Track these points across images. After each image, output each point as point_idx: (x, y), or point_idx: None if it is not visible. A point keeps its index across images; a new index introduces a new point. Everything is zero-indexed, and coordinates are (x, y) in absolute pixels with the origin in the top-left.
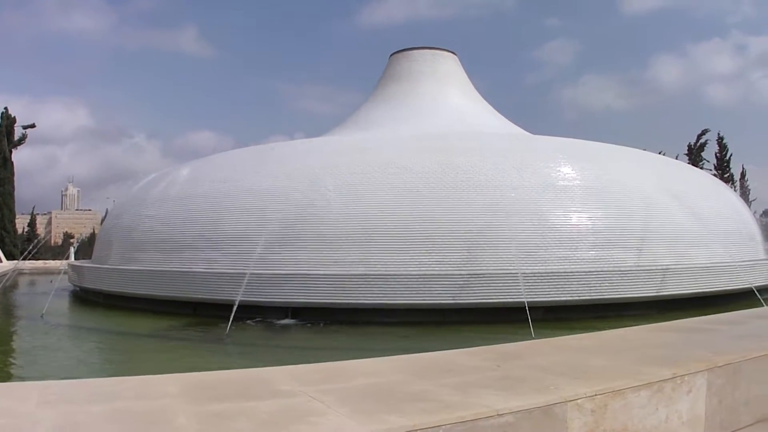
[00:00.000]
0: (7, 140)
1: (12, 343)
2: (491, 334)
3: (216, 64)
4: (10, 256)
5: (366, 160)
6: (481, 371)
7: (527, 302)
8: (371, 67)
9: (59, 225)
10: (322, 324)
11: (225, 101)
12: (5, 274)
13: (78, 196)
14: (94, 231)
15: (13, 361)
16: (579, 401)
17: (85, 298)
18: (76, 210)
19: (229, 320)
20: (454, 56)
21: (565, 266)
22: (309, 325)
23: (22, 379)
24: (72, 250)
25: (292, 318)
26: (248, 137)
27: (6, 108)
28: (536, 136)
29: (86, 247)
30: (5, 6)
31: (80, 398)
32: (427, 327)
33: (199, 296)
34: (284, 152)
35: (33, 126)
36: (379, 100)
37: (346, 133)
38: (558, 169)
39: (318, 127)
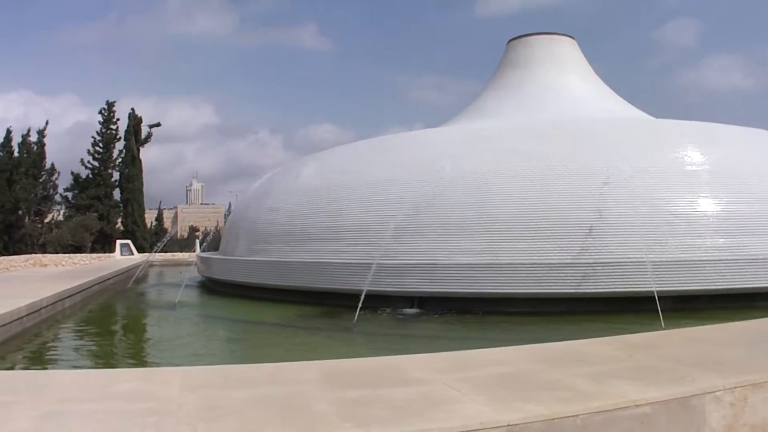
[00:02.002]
0: (135, 139)
1: (150, 331)
2: (619, 324)
3: (335, 58)
4: (140, 250)
5: (488, 148)
6: (614, 361)
7: (656, 291)
8: (488, 56)
9: (185, 219)
10: (447, 313)
11: (345, 94)
12: (138, 267)
13: (202, 191)
14: (218, 224)
15: (152, 348)
16: (717, 394)
17: (213, 288)
18: (201, 204)
19: (355, 310)
20: (572, 40)
21: (694, 254)
22: (435, 314)
23: (162, 365)
24: (197, 242)
25: (417, 307)
26: (368, 129)
27: (132, 109)
28: (660, 120)
29: (211, 240)
30: (131, 12)
31: (220, 383)
32: (552, 316)
33: (326, 286)
34: (406, 142)
35: (158, 125)
36: (497, 88)
37: (466, 122)
38: (684, 153)
39: (436, 117)
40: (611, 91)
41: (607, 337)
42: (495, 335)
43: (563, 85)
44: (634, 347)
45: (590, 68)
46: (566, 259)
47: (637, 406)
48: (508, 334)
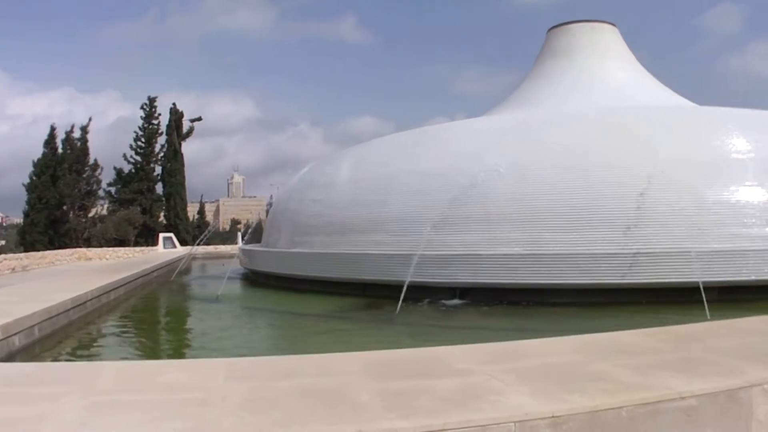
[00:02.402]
0: (176, 133)
1: (193, 323)
2: (663, 315)
3: (375, 50)
4: (183, 243)
5: (530, 138)
6: (659, 353)
7: (701, 282)
8: (528, 45)
9: (226, 212)
10: (490, 304)
11: (384, 86)
12: (181, 259)
13: (243, 184)
14: (259, 217)
15: (196, 339)
16: (766, 386)
17: (255, 280)
18: (242, 197)
19: (398, 301)
20: (614, 28)
21: (740, 244)
22: (477, 305)
23: (207, 356)
24: (239, 235)
25: (459, 298)
26: (408, 120)
27: (174, 103)
28: (704, 107)
29: (253, 232)
30: (171, 9)
31: (265, 374)
32: (595, 307)
33: (369, 277)
34: (447, 133)
35: (200, 119)
36: (538, 77)
37: (507, 112)
38: (730, 140)
39: (477, 108)
40: (654, 79)
41: (651, 329)
42: (538, 326)
43: (605, 73)
44: (679, 338)
45: (632, 56)
46: (610, 249)
47: (683, 398)
48: (552, 325)
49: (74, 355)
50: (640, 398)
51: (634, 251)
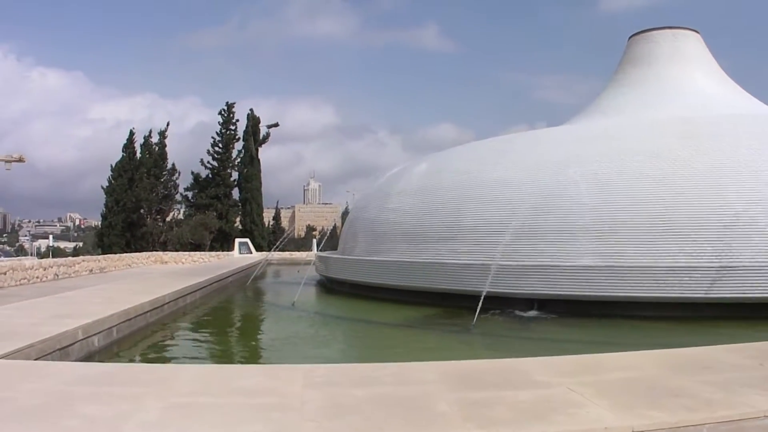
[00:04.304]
0: (253, 139)
1: (269, 329)
2: (749, 331)
3: (456, 58)
4: (258, 248)
5: (611, 147)
6: (743, 369)
7: None
8: (610, 53)
9: (302, 218)
10: (568, 316)
11: (465, 94)
12: (256, 265)
13: (320, 191)
14: (335, 224)
15: (272, 345)
16: None
17: (330, 287)
18: (318, 204)
19: (474, 311)
20: (697, 35)
21: None
22: (555, 317)
23: (283, 362)
24: (315, 241)
25: (537, 310)
26: (488, 129)
27: (251, 109)
28: None
29: (328, 239)
30: (254, 15)
31: (343, 381)
32: (677, 322)
33: (445, 287)
34: (527, 142)
35: (276, 125)
36: (619, 86)
37: (588, 121)
38: None
39: (558, 116)
40: (739, 88)
41: (735, 344)
42: (618, 339)
43: (688, 81)
44: (765, 355)
45: (716, 64)
46: (694, 262)
47: None
48: (632, 339)
49: (151, 358)
50: (722, 416)
51: (720, 265)
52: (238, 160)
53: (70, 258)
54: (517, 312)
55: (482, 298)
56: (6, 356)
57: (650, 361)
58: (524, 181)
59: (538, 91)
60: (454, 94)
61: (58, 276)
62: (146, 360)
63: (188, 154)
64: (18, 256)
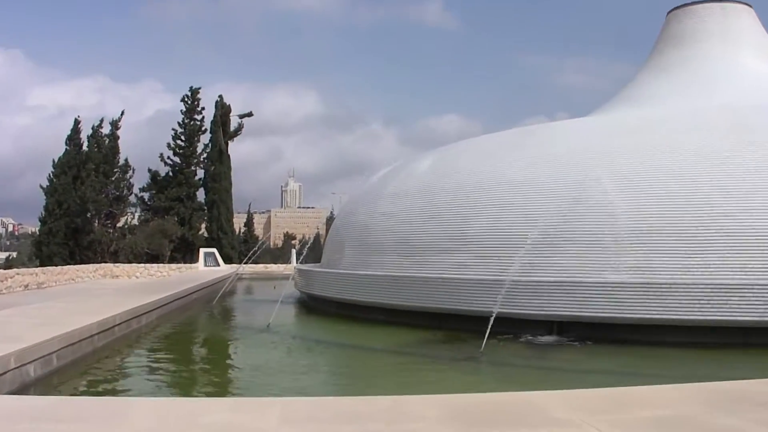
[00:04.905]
0: (223, 131)
1: (240, 356)
2: None
3: (462, 38)
4: (227, 260)
5: (646, 142)
6: None
7: None
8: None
9: (279, 225)
10: (593, 342)
11: (472, 80)
12: (225, 280)
13: (300, 192)
14: (318, 231)
15: (243, 376)
16: None
17: (312, 306)
18: (299, 208)
19: (483, 335)
20: (749, 9)
21: None
22: (578, 343)
23: (256, 395)
24: (294, 252)
25: (557, 334)
26: (499, 120)
27: (221, 96)
28: None
29: (310, 250)
30: None
31: (327, 417)
32: (722, 349)
33: (448, 307)
34: (546, 136)
35: (250, 115)
36: (656, 69)
37: (619, 111)
38: None
39: (583, 105)
40: None
41: None
42: (652, 370)
43: (738, 63)
44: None
45: None
46: (745, 278)
47: None
48: (668, 369)
49: (99, 389)
50: None
51: None
52: (205, 155)
53: (1, 271)
54: (533, 337)
55: (492, 319)
56: None
57: (691, 395)
58: (543, 182)
59: (560, 76)
60: (460, 80)
61: None
62: (93, 392)
63: (145, 147)
64: None
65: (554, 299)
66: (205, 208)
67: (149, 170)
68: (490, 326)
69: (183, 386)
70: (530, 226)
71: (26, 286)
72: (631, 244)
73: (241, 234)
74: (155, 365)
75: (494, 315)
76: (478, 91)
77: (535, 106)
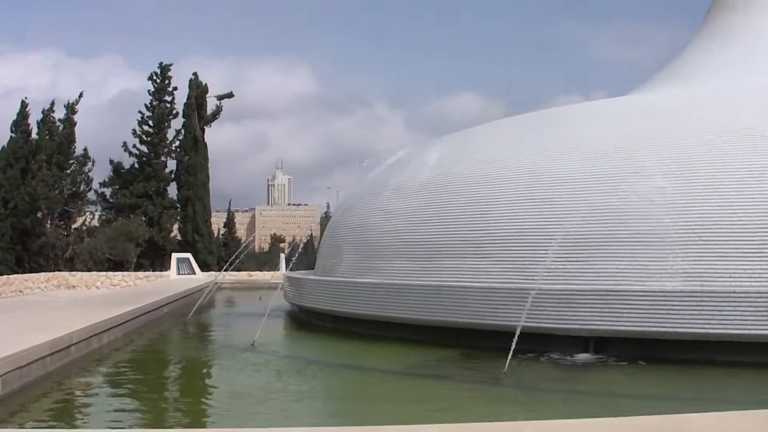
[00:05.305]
0: (198, 115)
1: (219, 380)
2: None
3: (481, 3)
4: (204, 267)
5: (697, 124)
6: None
7: None
8: None
9: (265, 225)
10: (636, 362)
11: (492, 54)
12: (202, 289)
13: (290, 187)
14: (311, 233)
15: (222, 404)
16: None
17: (305, 321)
18: (288, 205)
19: (506, 353)
20: None
21: None
22: (618, 362)
23: (239, 426)
24: (283, 257)
25: (593, 352)
26: (524, 101)
27: (195, 74)
28: None
29: (302, 254)
30: None
31: None
32: None
33: (464, 320)
34: (579, 118)
35: (231, 95)
36: (709, 38)
37: (665, 88)
38: None
39: (624, 81)
40: None
41: None
42: (711, 394)
43: None
44: None
45: None
46: None
47: None
48: (728, 394)
49: (52, 420)
50: None
51: None
52: (177, 143)
53: None
54: (565, 355)
55: (517, 335)
56: None
57: (757, 425)
58: (576, 173)
59: (595, 46)
60: (478, 54)
61: None
62: (44, 425)
63: (107, 135)
64: None
65: (589, 311)
66: (178, 206)
67: (111, 162)
68: (514, 343)
69: (151, 417)
70: (560, 225)
71: None
72: (682, 245)
73: (221, 236)
74: (118, 392)
75: (519, 329)
76: (501, 66)
77: (567, 82)
